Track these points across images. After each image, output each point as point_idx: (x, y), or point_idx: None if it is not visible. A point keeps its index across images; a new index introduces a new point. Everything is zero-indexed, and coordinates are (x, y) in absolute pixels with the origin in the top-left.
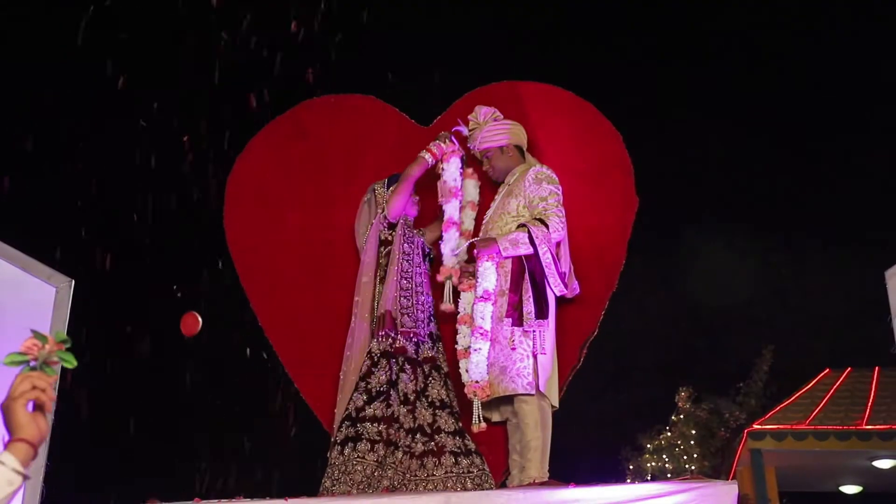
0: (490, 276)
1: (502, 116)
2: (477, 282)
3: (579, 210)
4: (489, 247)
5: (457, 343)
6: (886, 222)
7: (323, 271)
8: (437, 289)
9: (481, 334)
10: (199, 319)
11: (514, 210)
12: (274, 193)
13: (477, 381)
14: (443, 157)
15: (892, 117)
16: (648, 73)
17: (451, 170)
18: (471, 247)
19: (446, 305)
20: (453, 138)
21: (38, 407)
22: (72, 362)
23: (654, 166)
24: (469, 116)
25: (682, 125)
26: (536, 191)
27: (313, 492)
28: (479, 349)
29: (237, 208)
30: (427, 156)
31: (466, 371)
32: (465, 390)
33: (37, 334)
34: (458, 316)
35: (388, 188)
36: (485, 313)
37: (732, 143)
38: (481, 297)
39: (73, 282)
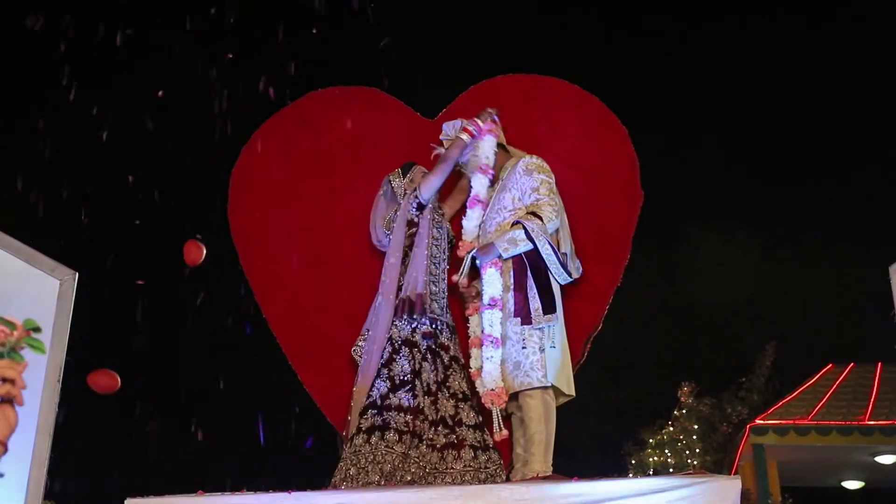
0: (495, 282)
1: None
2: (482, 289)
3: (584, 204)
4: (489, 252)
5: (470, 366)
6: (890, 217)
7: (326, 263)
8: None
9: (492, 342)
10: (202, 248)
11: (510, 204)
12: (278, 185)
13: (493, 390)
14: (480, 134)
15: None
16: (651, 70)
17: (486, 147)
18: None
19: (462, 279)
20: (496, 117)
21: (7, 399)
22: (42, 349)
23: (659, 161)
24: (441, 137)
25: (686, 121)
26: (528, 182)
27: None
28: (491, 357)
29: (241, 199)
30: (465, 136)
31: (483, 385)
32: (483, 400)
33: (3, 321)
34: (469, 340)
35: (403, 177)
36: (493, 320)
37: (735, 140)
38: (488, 304)
39: (77, 274)
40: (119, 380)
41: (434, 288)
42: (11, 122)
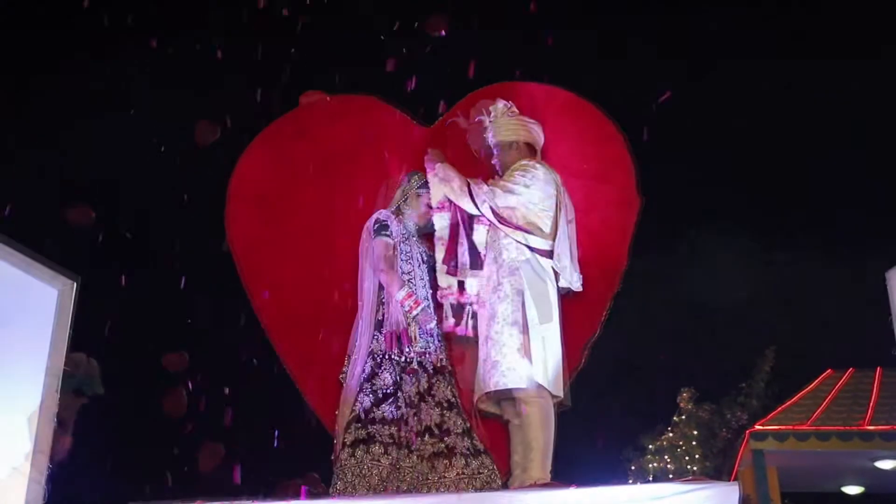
0: (436, 189)
1: (518, 112)
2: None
3: (582, 210)
4: (431, 164)
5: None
6: (888, 223)
7: (324, 272)
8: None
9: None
10: (216, 128)
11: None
12: (276, 193)
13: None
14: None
15: (894, 115)
16: (651, 73)
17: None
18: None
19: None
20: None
21: None
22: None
23: (656, 167)
24: (490, 107)
25: (684, 125)
26: (508, 176)
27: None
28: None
29: (239, 208)
30: (403, 292)
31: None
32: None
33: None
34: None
35: (413, 187)
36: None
37: (734, 143)
38: (437, 208)
39: (76, 283)
40: (92, 214)
41: (423, 316)
42: (11, 125)
